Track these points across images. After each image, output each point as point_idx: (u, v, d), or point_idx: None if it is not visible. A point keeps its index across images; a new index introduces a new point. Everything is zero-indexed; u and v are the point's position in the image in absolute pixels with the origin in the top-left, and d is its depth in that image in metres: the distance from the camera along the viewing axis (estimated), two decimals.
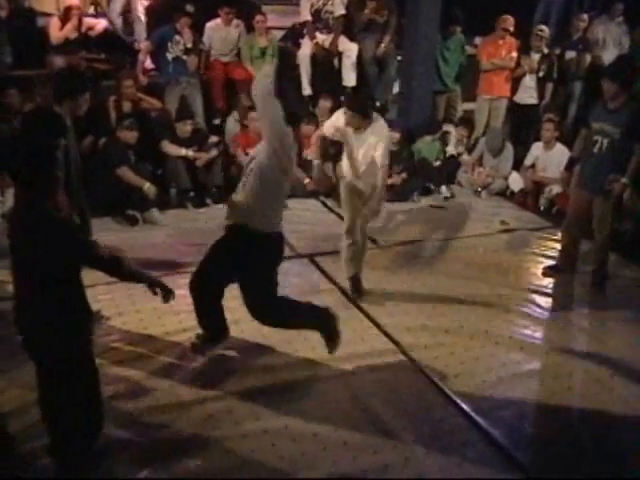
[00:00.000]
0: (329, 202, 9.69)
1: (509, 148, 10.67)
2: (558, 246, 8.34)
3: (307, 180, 9.86)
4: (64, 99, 6.31)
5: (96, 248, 4.10)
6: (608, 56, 11.64)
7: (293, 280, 7.34)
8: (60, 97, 6.33)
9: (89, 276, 4.36)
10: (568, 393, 5.81)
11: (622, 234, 8.60)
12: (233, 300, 5.87)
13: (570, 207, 7.81)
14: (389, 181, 9.91)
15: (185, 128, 9.44)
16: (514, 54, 11.34)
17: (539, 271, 7.99)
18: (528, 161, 10.21)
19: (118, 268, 4.26)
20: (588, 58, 11.78)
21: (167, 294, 4.54)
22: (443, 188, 10.38)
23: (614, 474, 4.97)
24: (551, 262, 8.09)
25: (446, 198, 10.25)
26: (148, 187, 8.68)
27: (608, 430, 5.41)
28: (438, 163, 10.72)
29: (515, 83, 11.47)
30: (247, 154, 8.57)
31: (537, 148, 10.12)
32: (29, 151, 3.95)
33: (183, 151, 9.34)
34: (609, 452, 5.16)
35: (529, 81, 11.38)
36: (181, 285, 6.99)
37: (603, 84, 7.13)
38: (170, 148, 9.34)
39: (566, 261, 7.89)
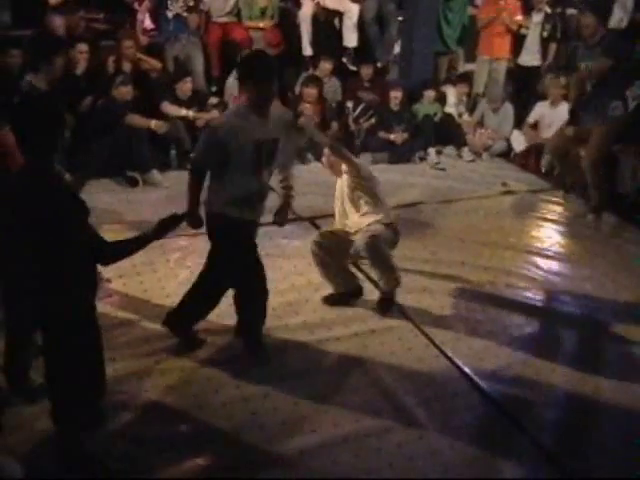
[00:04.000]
0: None
1: (509, 108, 10.61)
2: (559, 208, 8.35)
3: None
4: (40, 64, 6.12)
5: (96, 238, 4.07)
6: (612, 15, 11.51)
7: (294, 243, 7.33)
8: (35, 63, 6.15)
9: None
10: (569, 355, 5.82)
11: (624, 197, 8.59)
12: None
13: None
14: (391, 137, 9.92)
15: (185, 86, 9.39)
16: (519, 17, 11.23)
17: (540, 233, 7.99)
18: (531, 118, 10.16)
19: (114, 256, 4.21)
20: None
21: (179, 219, 4.44)
22: (432, 154, 10.28)
23: (608, 433, 4.98)
24: (552, 225, 8.10)
25: (436, 164, 10.14)
26: (155, 124, 8.67)
27: (607, 392, 5.40)
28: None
29: (518, 45, 11.38)
30: None
31: (541, 106, 10.06)
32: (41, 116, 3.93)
33: (183, 111, 9.28)
34: (604, 412, 5.20)
35: (532, 43, 11.28)
36: (181, 247, 7.04)
37: (581, 19, 7.17)
38: (170, 109, 9.28)
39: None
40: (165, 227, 4.32)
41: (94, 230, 4.05)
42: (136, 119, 8.66)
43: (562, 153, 8.19)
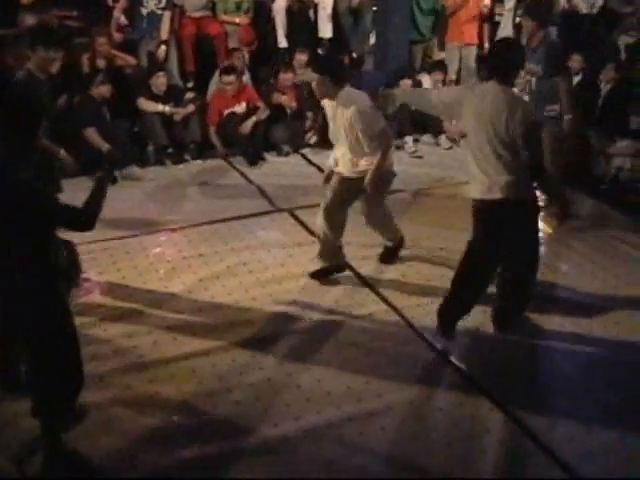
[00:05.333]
0: (308, 155, 9.69)
1: None
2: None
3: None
4: (37, 51, 6.25)
5: (66, 210, 4.04)
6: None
7: (273, 234, 7.36)
8: (33, 50, 6.28)
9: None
10: (547, 333, 5.89)
11: (600, 178, 8.65)
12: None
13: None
14: None
15: (159, 81, 9.35)
16: (487, 1, 11.31)
17: None
18: None
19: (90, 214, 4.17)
20: (561, 2, 11.70)
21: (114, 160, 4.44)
22: (409, 142, 10.30)
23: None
24: None
25: (413, 152, 10.17)
26: (107, 149, 8.45)
27: (585, 366, 5.53)
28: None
29: (491, 32, 11.44)
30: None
31: None
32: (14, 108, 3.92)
33: (160, 107, 9.27)
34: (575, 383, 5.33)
35: (506, 28, 11.34)
36: (161, 242, 7.07)
37: (522, 22, 7.28)
38: (146, 105, 9.26)
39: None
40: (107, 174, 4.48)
41: (62, 205, 4.03)
42: (94, 137, 8.48)
43: None
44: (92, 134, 8.51)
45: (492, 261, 5.53)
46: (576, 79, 9.06)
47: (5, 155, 3.88)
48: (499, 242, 5.36)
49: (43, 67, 6.32)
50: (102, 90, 8.74)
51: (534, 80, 7.29)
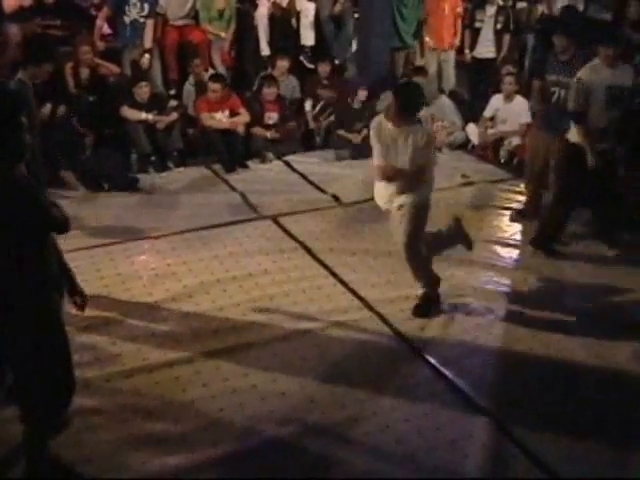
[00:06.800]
0: (292, 162, 9.72)
1: (444, 100, 10.82)
2: (520, 197, 8.44)
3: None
4: (28, 65, 6.38)
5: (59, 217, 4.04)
6: (559, 6, 11.65)
7: (257, 242, 7.37)
8: (25, 63, 6.40)
9: None
10: (532, 340, 5.92)
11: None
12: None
13: (528, 151, 8.15)
14: (349, 136, 10.00)
15: (141, 90, 9.35)
16: (459, 9, 11.54)
17: (501, 223, 8.09)
18: (487, 113, 10.21)
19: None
20: (540, 9, 11.79)
21: None
22: None
23: (577, 417, 5.08)
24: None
25: None
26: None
27: (571, 375, 5.53)
28: None
29: (473, 39, 11.54)
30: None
31: (497, 100, 10.13)
32: None
33: (143, 115, 9.27)
34: (572, 395, 5.30)
35: (487, 35, 11.43)
36: (145, 250, 7.08)
37: (554, 39, 7.29)
38: (129, 113, 9.27)
39: (530, 207, 8.09)
40: None
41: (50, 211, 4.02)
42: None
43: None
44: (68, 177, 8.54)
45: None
46: None
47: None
48: None
49: (34, 78, 6.46)
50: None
51: (563, 92, 7.25)
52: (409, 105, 5.72)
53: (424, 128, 6.00)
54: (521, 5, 11.85)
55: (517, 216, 8.15)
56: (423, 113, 10.52)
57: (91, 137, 8.79)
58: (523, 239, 7.71)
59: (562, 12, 10.25)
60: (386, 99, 10.19)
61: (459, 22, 11.61)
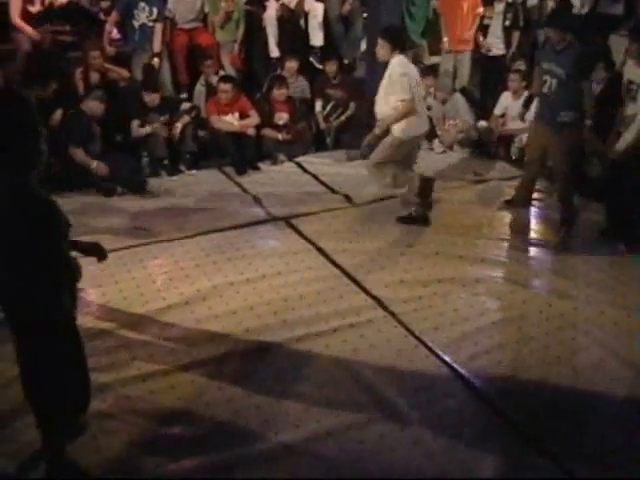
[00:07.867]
0: (303, 163, 9.72)
1: (458, 98, 10.79)
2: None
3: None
4: (33, 84, 6.19)
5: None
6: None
7: (270, 243, 7.39)
8: (30, 82, 6.21)
9: None
10: (546, 338, 5.90)
11: (594, 180, 8.65)
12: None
13: (528, 141, 8.19)
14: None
15: (150, 97, 9.34)
16: (480, 9, 11.36)
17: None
18: (498, 110, 10.19)
19: None
20: (550, 4, 11.73)
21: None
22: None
23: (589, 417, 5.07)
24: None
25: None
26: (96, 165, 8.49)
27: (584, 373, 5.50)
28: None
29: (482, 35, 11.49)
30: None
31: (506, 97, 10.11)
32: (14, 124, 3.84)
33: (148, 129, 9.14)
34: (585, 394, 5.28)
35: (495, 32, 11.38)
36: (156, 254, 7.09)
37: (547, 32, 7.33)
38: (136, 132, 9.18)
39: (521, 195, 8.17)
40: None
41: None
42: (79, 156, 8.43)
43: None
44: (79, 154, 8.46)
45: None
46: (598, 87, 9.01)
47: (13, 164, 3.83)
48: None
49: (39, 96, 6.34)
50: (95, 107, 8.66)
51: (555, 82, 7.24)
52: None
53: None
54: (532, 2, 11.78)
55: (505, 205, 8.27)
56: (436, 111, 10.61)
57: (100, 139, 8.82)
58: (536, 236, 7.70)
59: (556, 5, 10.65)
60: None
61: (477, 22, 11.45)
